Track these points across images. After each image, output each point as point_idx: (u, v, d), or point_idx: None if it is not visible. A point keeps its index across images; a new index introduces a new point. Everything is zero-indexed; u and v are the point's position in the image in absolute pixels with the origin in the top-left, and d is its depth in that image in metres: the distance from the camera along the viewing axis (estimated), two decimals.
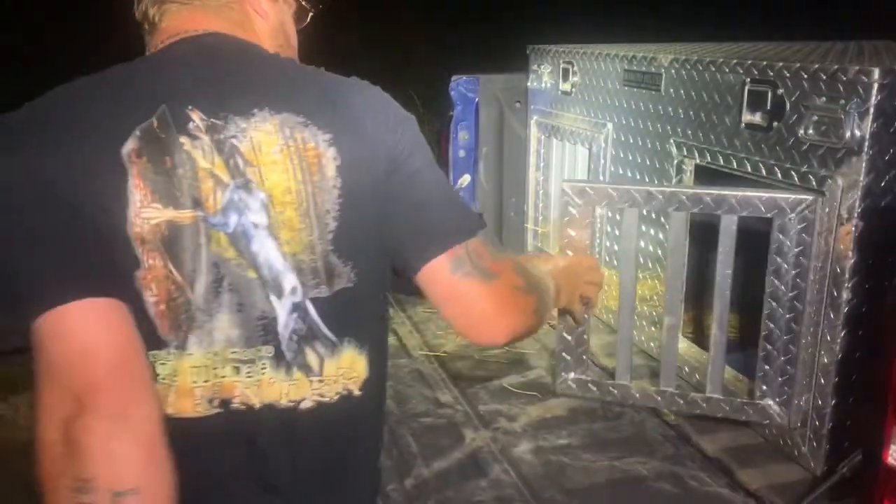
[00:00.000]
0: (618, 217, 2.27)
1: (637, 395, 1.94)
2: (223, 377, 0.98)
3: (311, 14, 1.20)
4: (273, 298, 0.99)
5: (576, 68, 2.65)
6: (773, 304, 1.75)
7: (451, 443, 1.86)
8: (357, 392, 1.05)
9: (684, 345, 2.15)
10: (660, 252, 2.24)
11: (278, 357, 1.00)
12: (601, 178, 2.52)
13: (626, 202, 1.89)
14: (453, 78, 3.12)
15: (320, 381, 1.02)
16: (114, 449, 0.85)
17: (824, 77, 1.65)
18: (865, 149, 1.58)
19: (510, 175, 3.11)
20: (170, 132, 0.94)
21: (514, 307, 1.13)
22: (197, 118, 0.96)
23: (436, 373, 2.22)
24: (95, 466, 0.84)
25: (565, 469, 1.78)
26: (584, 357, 1.96)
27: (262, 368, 1.00)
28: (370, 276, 1.04)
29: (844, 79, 1.60)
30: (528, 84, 2.99)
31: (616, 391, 1.95)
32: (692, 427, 1.95)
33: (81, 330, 0.87)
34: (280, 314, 0.99)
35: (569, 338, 1.94)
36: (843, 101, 1.61)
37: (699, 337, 2.26)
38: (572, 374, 1.96)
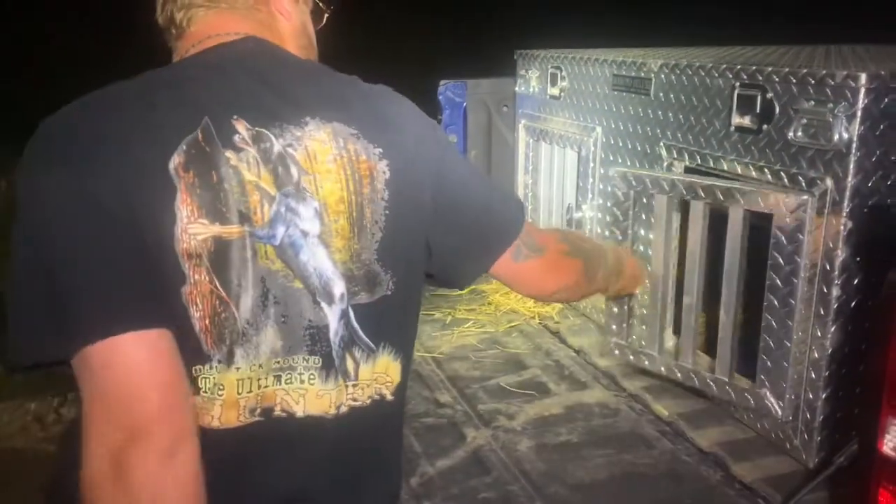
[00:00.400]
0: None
1: (662, 369, 2.11)
2: (266, 387, 0.99)
3: (326, 15, 1.22)
4: (324, 306, 1.00)
5: (564, 73, 2.70)
6: (772, 297, 1.81)
7: (454, 442, 1.89)
8: (389, 397, 1.07)
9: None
10: (650, 251, 2.28)
11: (327, 366, 1.01)
12: (590, 180, 2.57)
13: (655, 189, 2.05)
14: (441, 83, 3.15)
15: (354, 385, 1.04)
16: (160, 486, 0.87)
17: (813, 82, 1.71)
18: (853, 151, 1.64)
19: (499, 178, 3.15)
20: (214, 145, 0.94)
21: (560, 270, 1.41)
22: (242, 129, 0.96)
23: (434, 374, 2.25)
24: (142, 500, 0.86)
25: (566, 465, 1.82)
26: (625, 325, 2.18)
27: (311, 379, 1.00)
28: (408, 285, 1.07)
29: (832, 83, 1.66)
30: (516, 88, 3.03)
31: (646, 360, 2.14)
32: (687, 423, 2.00)
33: (135, 364, 0.88)
34: (331, 321, 1.01)
35: (615, 308, 2.18)
36: (831, 105, 1.67)
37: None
38: (614, 339, 2.20)
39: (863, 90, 1.61)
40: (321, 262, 0.99)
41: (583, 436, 1.95)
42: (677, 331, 2.14)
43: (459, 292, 2.80)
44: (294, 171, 0.97)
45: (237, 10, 1.08)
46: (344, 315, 1.02)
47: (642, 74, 2.28)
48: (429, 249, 1.12)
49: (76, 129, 0.93)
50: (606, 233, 2.51)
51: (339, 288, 1.01)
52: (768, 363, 1.84)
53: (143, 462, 0.85)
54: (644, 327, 2.19)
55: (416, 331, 1.18)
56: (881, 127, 1.64)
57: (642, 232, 2.18)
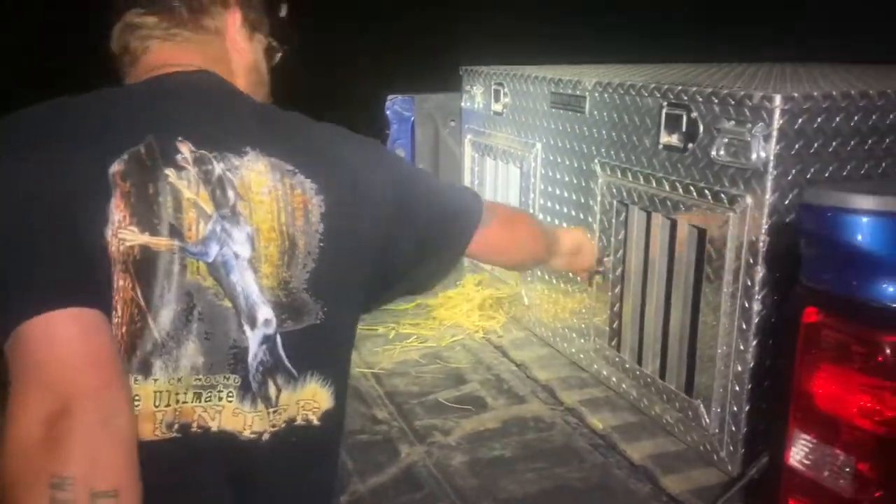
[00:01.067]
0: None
1: (614, 379, 2.22)
2: (184, 403, 1.00)
3: (279, 53, 1.27)
4: (246, 328, 1.03)
5: (506, 89, 2.73)
6: (704, 310, 1.85)
7: (387, 459, 1.89)
8: (316, 422, 1.09)
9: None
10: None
11: (245, 388, 1.03)
12: (532, 196, 2.61)
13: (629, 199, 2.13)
14: (388, 97, 3.17)
15: (275, 411, 1.06)
16: (97, 450, 0.86)
17: (733, 102, 1.76)
18: (770, 169, 1.68)
19: None
20: (156, 161, 0.98)
21: (514, 223, 1.64)
22: (186, 150, 1.00)
23: (373, 389, 2.26)
24: (76, 465, 0.85)
25: (498, 480, 1.83)
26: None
27: (229, 397, 1.03)
28: (339, 314, 1.11)
29: (750, 104, 1.71)
30: (462, 104, 3.06)
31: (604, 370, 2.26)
32: (620, 436, 2.03)
33: (69, 339, 0.89)
34: (251, 345, 1.03)
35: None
36: (749, 125, 1.71)
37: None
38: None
39: (778, 111, 1.66)
40: (249, 285, 1.03)
41: (517, 450, 1.96)
42: (639, 340, 2.18)
43: (405, 306, 2.81)
44: (231, 194, 1.02)
45: (192, 43, 1.14)
46: (267, 340, 1.04)
47: (578, 92, 2.32)
48: (392, 268, 1.20)
49: (26, 126, 0.99)
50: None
51: (262, 313, 1.04)
52: (701, 376, 1.89)
53: (77, 429, 0.85)
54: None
55: (350, 358, 1.21)
56: (796, 146, 1.69)
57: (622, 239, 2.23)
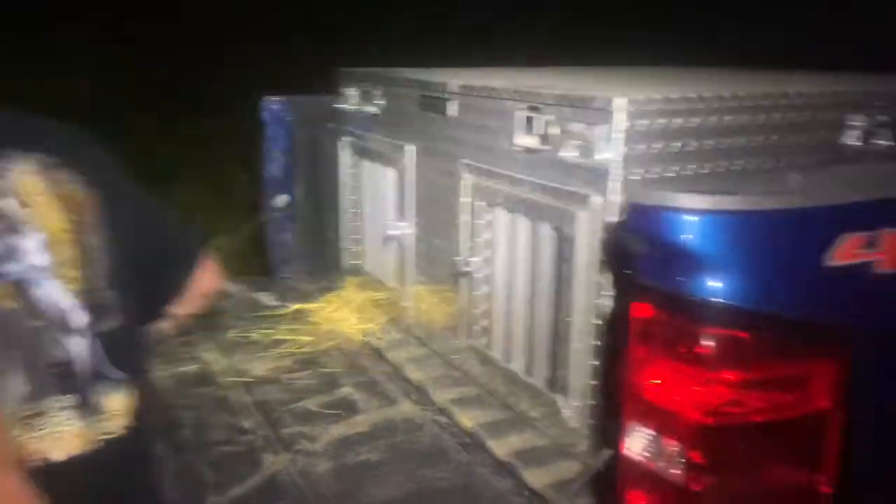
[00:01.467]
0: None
1: (485, 378, 2.23)
2: (17, 437, 0.94)
3: None
4: (67, 340, 0.98)
5: (380, 91, 2.73)
6: (561, 307, 1.90)
7: (249, 469, 1.86)
8: (134, 422, 1.06)
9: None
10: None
11: (81, 403, 0.99)
12: (406, 198, 2.61)
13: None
14: (263, 99, 3.12)
15: (105, 418, 1.02)
16: (14, 494, 0.84)
17: (580, 104, 1.80)
18: (616, 170, 1.74)
19: (326, 195, 3.15)
20: None
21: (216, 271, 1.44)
22: None
23: (241, 399, 2.21)
24: None
25: (363, 485, 1.82)
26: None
27: (68, 421, 0.97)
28: (137, 308, 1.09)
29: (596, 106, 1.76)
30: (339, 106, 3.03)
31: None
32: (487, 433, 2.05)
33: None
34: (75, 356, 0.99)
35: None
36: (595, 127, 1.76)
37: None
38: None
39: (621, 113, 1.71)
40: (56, 294, 0.98)
41: (384, 453, 1.96)
42: (507, 338, 2.20)
43: (283, 311, 2.77)
44: (10, 203, 0.96)
45: None
46: (90, 346, 1.00)
47: (443, 95, 2.33)
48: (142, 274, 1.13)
49: None
50: (422, 246, 2.55)
51: (78, 319, 0.99)
52: (562, 371, 1.93)
53: None
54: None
55: (149, 352, 1.18)
56: (640, 147, 1.74)
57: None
